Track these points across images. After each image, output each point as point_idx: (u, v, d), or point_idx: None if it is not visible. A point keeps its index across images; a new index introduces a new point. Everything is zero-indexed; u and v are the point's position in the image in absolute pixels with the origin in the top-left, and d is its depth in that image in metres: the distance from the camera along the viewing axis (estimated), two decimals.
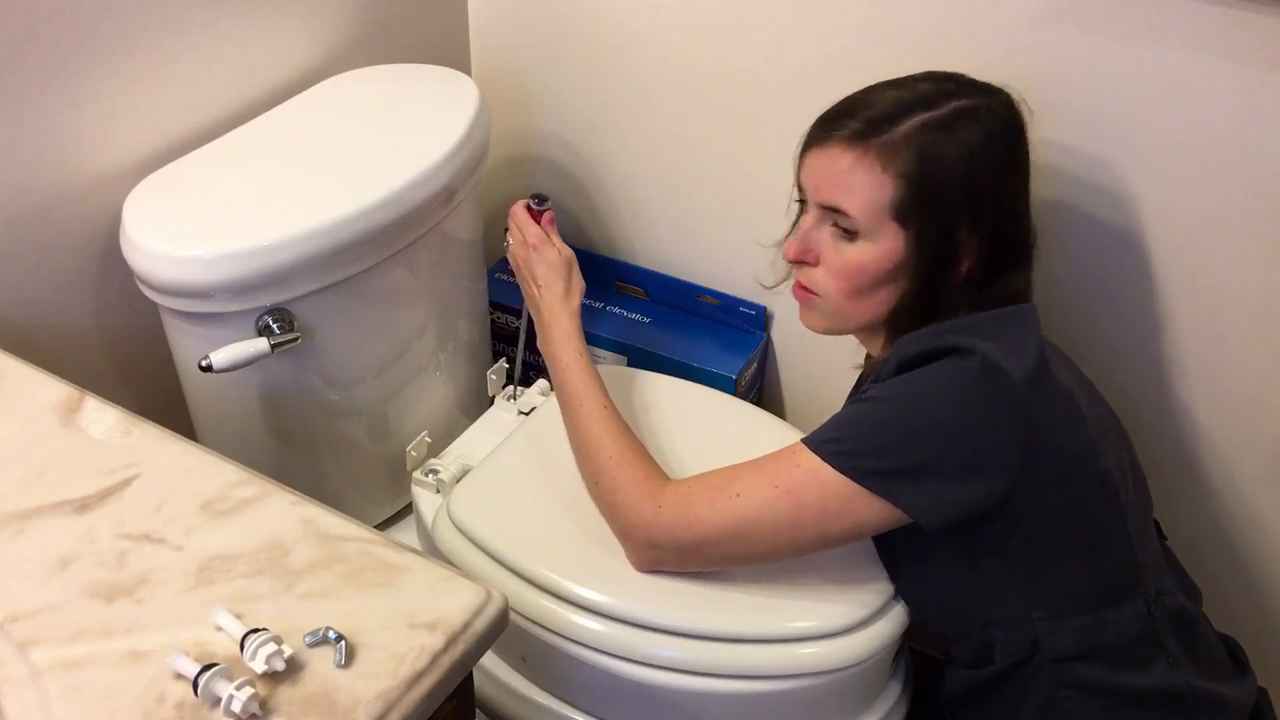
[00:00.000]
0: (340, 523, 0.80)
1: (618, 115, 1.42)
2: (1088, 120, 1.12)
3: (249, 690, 0.66)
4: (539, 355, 1.17)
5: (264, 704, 0.67)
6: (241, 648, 0.69)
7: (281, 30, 1.22)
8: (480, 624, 0.73)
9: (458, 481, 1.15)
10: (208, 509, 0.80)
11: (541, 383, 1.32)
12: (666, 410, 1.21)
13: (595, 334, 1.43)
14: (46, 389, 0.90)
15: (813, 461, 0.92)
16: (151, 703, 0.67)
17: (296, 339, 1.07)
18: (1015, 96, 0.98)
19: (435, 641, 0.71)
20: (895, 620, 1.02)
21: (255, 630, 0.69)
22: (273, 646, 0.68)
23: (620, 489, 1.01)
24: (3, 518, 0.79)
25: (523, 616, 1.02)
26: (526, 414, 1.26)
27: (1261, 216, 1.08)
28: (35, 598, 0.73)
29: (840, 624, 0.99)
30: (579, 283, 1.15)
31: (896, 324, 0.99)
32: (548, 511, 1.10)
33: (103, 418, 0.88)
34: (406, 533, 1.27)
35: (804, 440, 0.94)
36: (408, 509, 1.29)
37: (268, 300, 1.05)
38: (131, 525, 0.79)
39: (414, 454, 1.22)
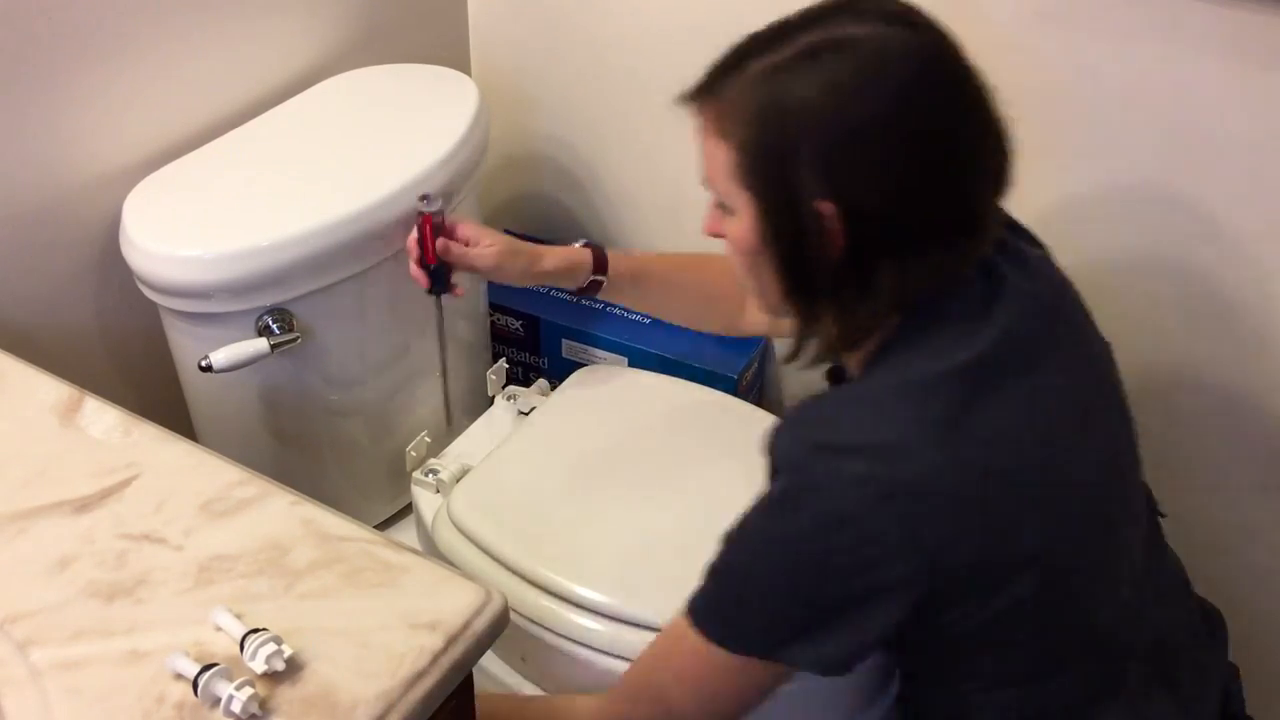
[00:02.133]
0: (340, 523, 0.80)
1: (617, 115, 1.42)
2: (1094, 122, 1.12)
3: (249, 690, 0.66)
4: (537, 356, 1.16)
5: (264, 704, 0.67)
6: (241, 648, 0.69)
7: (281, 31, 1.22)
8: (480, 624, 0.73)
9: (457, 481, 1.16)
10: (207, 509, 0.80)
11: (541, 383, 1.32)
12: (666, 411, 1.21)
13: (595, 334, 1.43)
14: (46, 389, 0.90)
15: (697, 643, 0.83)
16: (151, 703, 0.67)
17: (296, 339, 1.07)
18: (945, 34, 0.78)
19: (435, 641, 0.71)
20: None
21: (255, 630, 0.69)
22: (272, 647, 0.68)
23: None
24: (2, 518, 0.79)
25: (523, 616, 1.02)
26: (526, 414, 1.26)
27: (1273, 218, 1.08)
28: (35, 598, 0.73)
29: None
30: None
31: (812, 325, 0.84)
32: (547, 511, 1.10)
33: (103, 418, 0.88)
34: (406, 533, 1.27)
35: (690, 609, 0.84)
36: (408, 509, 1.29)
37: (267, 300, 1.05)
38: (131, 525, 0.79)
39: (414, 454, 1.22)
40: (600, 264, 1.12)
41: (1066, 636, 0.85)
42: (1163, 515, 0.98)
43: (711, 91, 0.81)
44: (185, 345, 1.09)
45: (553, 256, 1.10)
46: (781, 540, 0.79)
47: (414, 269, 1.06)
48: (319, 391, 1.16)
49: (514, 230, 1.57)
